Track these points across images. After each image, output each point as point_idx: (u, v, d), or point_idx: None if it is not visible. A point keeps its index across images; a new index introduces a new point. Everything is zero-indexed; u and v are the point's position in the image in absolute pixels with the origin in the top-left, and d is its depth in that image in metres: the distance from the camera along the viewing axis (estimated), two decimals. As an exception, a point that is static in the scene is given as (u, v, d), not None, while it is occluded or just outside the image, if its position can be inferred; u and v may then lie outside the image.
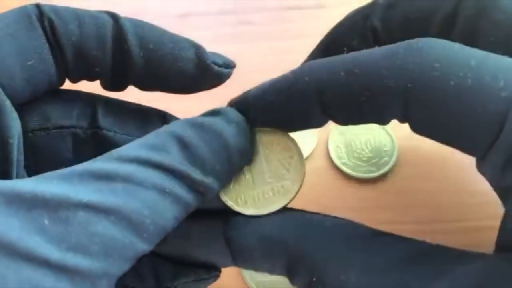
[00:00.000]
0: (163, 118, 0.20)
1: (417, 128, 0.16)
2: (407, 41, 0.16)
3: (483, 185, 0.17)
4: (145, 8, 0.36)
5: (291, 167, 0.19)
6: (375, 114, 0.17)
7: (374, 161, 0.27)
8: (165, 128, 0.17)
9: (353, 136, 0.28)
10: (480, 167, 0.16)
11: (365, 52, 0.16)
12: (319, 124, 0.18)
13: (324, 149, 0.28)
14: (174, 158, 0.16)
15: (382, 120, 0.17)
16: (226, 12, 0.34)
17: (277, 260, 0.17)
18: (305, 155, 0.28)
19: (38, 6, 0.18)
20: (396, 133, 0.28)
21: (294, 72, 0.17)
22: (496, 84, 0.14)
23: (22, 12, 0.18)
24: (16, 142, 0.17)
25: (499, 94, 0.14)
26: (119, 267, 0.14)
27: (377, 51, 0.16)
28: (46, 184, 0.14)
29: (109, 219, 0.14)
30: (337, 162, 0.28)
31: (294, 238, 0.17)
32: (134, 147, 0.16)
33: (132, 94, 0.20)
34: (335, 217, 0.18)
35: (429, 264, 0.15)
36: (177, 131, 0.16)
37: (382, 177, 0.27)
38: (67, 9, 0.18)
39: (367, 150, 0.28)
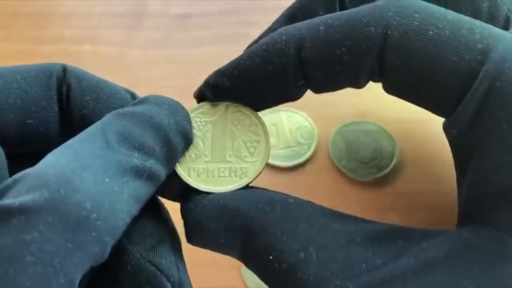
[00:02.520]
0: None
1: (391, 81, 0.17)
2: None
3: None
4: (145, 8, 0.35)
5: (256, 152, 0.18)
6: (352, 69, 0.17)
7: (374, 162, 0.27)
8: (96, 123, 0.16)
9: (354, 138, 0.28)
10: (448, 125, 0.16)
11: (343, 11, 0.17)
12: (295, 92, 0.18)
13: (325, 151, 0.28)
14: (110, 147, 0.15)
15: (358, 77, 0.17)
16: (226, 12, 0.34)
17: (235, 234, 0.16)
18: (305, 156, 0.28)
19: (64, 68, 0.17)
20: (397, 135, 0.28)
21: (269, 36, 0.17)
22: (472, 36, 0.15)
23: (45, 69, 0.17)
24: None
25: (475, 46, 0.15)
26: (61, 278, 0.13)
27: (354, 8, 0.17)
28: None
29: (45, 220, 0.12)
30: (338, 163, 0.27)
31: (255, 212, 0.16)
32: (69, 145, 0.15)
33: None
34: (298, 197, 0.17)
35: (393, 242, 0.15)
36: (107, 122, 0.16)
37: (383, 178, 0.27)
38: (91, 79, 0.17)
39: (367, 152, 0.28)
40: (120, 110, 0.16)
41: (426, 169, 0.27)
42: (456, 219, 0.17)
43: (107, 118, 0.16)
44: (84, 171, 0.14)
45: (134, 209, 0.15)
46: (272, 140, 0.28)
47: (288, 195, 0.17)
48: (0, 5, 0.37)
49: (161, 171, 0.16)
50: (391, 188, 0.27)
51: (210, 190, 0.18)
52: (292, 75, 0.17)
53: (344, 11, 0.17)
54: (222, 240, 0.17)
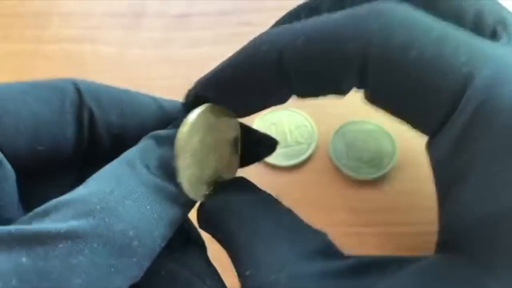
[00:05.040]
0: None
1: (373, 96, 0.16)
2: (368, 5, 0.15)
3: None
4: (145, 8, 0.35)
5: (232, 160, 0.19)
6: (333, 81, 0.16)
7: (374, 162, 0.27)
8: (134, 148, 0.16)
9: (354, 137, 0.28)
10: (430, 147, 0.16)
11: (325, 16, 0.16)
12: (279, 98, 0.18)
13: (325, 150, 0.28)
14: (150, 173, 0.15)
15: (340, 88, 0.17)
16: (226, 12, 0.34)
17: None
18: (305, 155, 0.28)
19: (79, 90, 0.16)
20: (397, 134, 0.28)
21: (252, 43, 0.17)
22: (456, 58, 0.14)
23: (57, 90, 0.16)
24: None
25: (459, 69, 0.14)
26: None
27: (337, 15, 0.16)
28: (25, 222, 0.13)
29: (91, 246, 0.13)
30: (338, 163, 0.27)
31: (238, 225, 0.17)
32: (115, 167, 0.15)
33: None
34: (280, 216, 0.17)
35: (368, 273, 0.15)
36: (146, 147, 0.16)
37: (383, 178, 0.27)
38: (109, 93, 0.17)
39: (367, 151, 0.28)
40: (157, 135, 0.17)
41: (425, 168, 0.27)
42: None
43: (145, 143, 0.16)
44: (127, 199, 0.14)
45: (170, 233, 0.16)
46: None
47: (273, 213, 0.17)
48: (0, 5, 0.37)
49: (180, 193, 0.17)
50: (391, 187, 0.27)
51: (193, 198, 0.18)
52: (275, 84, 0.17)
53: (325, 18, 0.16)
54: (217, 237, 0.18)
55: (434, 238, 0.17)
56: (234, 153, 0.19)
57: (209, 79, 0.18)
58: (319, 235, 0.17)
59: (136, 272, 0.14)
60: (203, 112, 0.18)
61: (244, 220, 0.17)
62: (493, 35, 0.16)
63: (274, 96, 0.17)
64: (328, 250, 0.16)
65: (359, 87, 0.16)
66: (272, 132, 0.28)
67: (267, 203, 0.18)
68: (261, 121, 0.29)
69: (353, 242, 0.26)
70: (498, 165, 0.13)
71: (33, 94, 0.16)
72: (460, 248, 0.14)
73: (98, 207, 0.14)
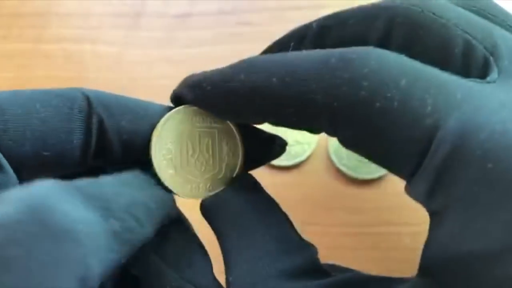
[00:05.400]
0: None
1: (345, 145, 0.16)
2: (341, 51, 0.15)
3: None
4: (144, 8, 0.36)
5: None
6: (304, 125, 0.16)
7: (374, 162, 0.27)
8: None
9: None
10: (408, 189, 0.16)
11: (301, 57, 0.16)
12: (254, 122, 0.18)
13: (324, 150, 0.28)
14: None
15: (313, 131, 0.17)
16: (226, 12, 0.34)
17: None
18: (305, 155, 0.28)
19: (87, 98, 0.17)
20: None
21: (233, 67, 0.17)
22: (422, 109, 0.14)
23: (66, 98, 0.16)
24: None
25: (424, 121, 0.14)
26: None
27: (311, 58, 0.15)
28: None
29: (29, 231, 0.12)
30: (337, 162, 0.28)
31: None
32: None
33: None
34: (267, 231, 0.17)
35: None
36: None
37: (382, 178, 0.27)
38: (118, 101, 0.17)
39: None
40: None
41: (425, 168, 0.27)
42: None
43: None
44: (72, 190, 0.13)
45: (120, 249, 0.14)
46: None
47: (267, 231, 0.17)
48: (0, 5, 0.37)
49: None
50: (390, 187, 0.27)
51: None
52: (248, 112, 0.17)
53: (301, 60, 0.16)
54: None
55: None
56: (229, 152, 0.19)
57: (191, 84, 0.18)
58: (306, 250, 0.17)
59: (82, 269, 0.12)
60: (177, 112, 0.18)
61: (235, 224, 0.17)
62: (485, 66, 0.16)
63: (248, 118, 0.17)
64: (310, 268, 0.16)
65: (329, 135, 0.16)
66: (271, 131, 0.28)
67: (263, 208, 0.18)
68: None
69: (352, 242, 0.26)
70: (468, 215, 0.13)
71: (42, 100, 0.16)
72: (438, 279, 0.14)
73: (37, 193, 0.13)
